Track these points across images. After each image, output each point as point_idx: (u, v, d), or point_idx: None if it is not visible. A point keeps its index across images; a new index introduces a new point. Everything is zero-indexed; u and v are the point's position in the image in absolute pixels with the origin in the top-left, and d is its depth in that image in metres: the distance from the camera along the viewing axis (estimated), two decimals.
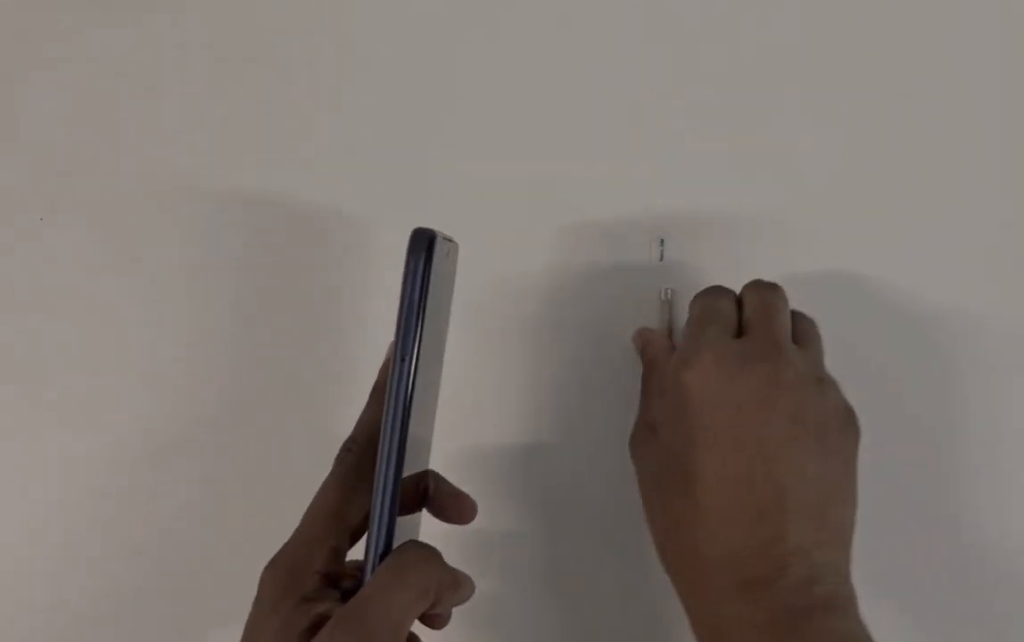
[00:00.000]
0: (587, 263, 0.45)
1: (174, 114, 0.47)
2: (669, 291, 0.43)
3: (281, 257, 0.46)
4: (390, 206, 0.45)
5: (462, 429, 0.43)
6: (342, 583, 0.31)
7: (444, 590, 0.31)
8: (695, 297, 0.38)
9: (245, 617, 0.31)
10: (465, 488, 0.36)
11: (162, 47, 0.47)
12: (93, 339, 0.46)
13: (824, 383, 0.35)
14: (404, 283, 0.30)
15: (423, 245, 0.30)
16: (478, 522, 0.35)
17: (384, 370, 0.34)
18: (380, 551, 0.30)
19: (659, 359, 0.40)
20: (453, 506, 0.35)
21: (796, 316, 0.38)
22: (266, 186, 0.46)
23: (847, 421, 0.35)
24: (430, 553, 0.31)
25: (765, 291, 0.37)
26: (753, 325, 0.36)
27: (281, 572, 0.31)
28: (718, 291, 0.38)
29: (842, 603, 0.32)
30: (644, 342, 0.42)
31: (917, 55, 0.45)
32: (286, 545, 0.31)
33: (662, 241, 0.44)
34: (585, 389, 0.44)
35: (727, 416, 0.33)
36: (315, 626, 0.29)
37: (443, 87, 0.46)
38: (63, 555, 0.45)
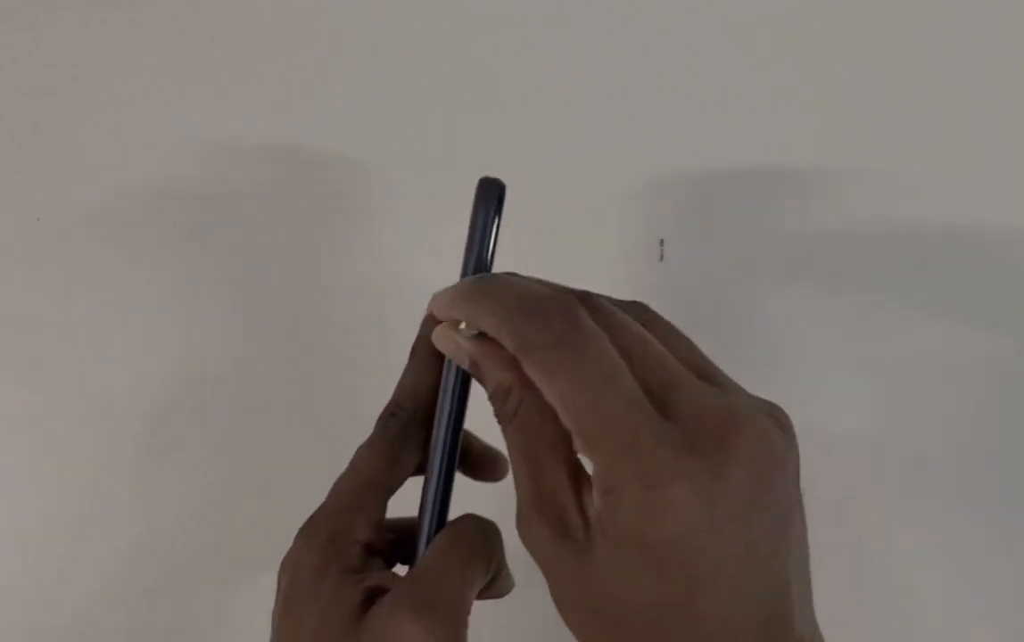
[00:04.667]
0: (587, 264, 0.45)
1: (181, 104, 0.46)
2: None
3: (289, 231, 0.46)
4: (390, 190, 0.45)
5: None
6: (382, 551, 0.30)
7: (501, 567, 0.29)
8: (523, 339, 0.24)
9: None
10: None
11: (164, 38, 0.47)
12: (97, 336, 0.46)
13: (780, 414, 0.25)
14: (472, 232, 0.28)
15: (494, 194, 0.28)
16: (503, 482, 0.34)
17: (426, 326, 0.31)
18: (436, 522, 0.29)
19: (523, 385, 0.26)
20: (486, 463, 0.33)
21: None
22: (269, 168, 0.46)
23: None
24: (491, 526, 0.29)
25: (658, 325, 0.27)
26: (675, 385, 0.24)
27: (320, 540, 0.28)
28: (582, 341, 0.24)
29: None
30: (472, 357, 0.28)
31: (917, 56, 0.45)
32: (322, 510, 0.29)
33: (662, 241, 0.44)
34: None
35: (730, 543, 0.23)
36: (368, 599, 0.27)
37: (439, 85, 0.46)
38: (73, 552, 0.45)
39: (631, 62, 0.45)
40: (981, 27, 0.44)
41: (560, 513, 0.25)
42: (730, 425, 0.23)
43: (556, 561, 0.25)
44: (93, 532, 0.45)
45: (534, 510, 0.25)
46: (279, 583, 0.29)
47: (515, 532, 0.26)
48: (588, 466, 0.24)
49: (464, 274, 0.28)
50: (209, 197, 0.46)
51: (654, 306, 0.30)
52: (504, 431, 0.27)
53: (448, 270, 0.30)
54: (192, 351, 0.45)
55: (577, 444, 0.24)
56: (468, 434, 0.34)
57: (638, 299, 0.30)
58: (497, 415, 0.27)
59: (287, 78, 0.46)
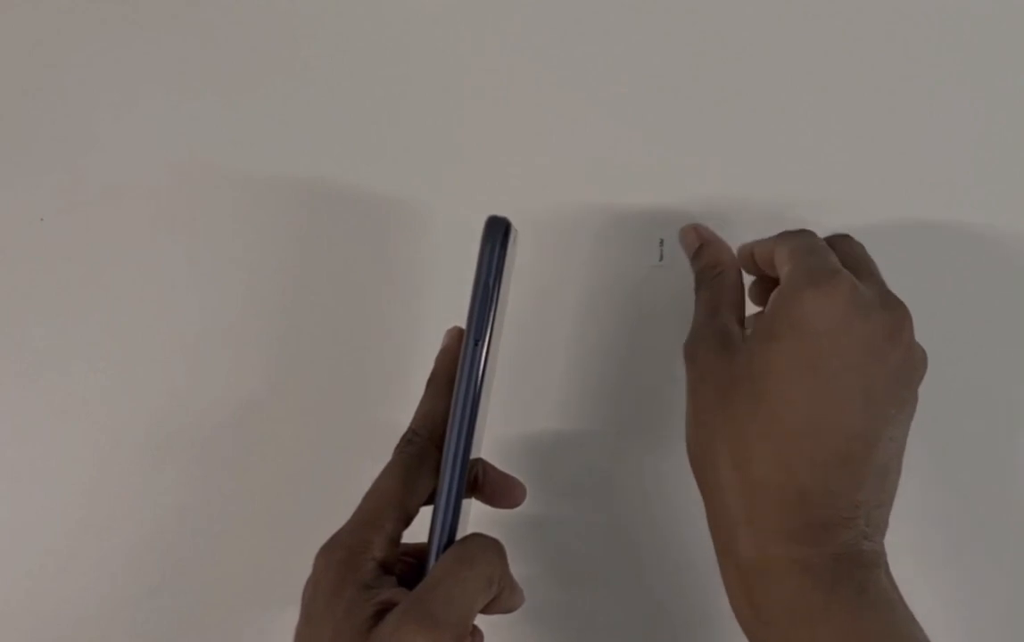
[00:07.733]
0: (586, 264, 0.45)
1: (181, 104, 0.47)
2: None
3: (313, 246, 0.46)
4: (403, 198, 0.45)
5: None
6: (396, 568, 0.32)
7: (504, 584, 0.31)
8: (783, 235, 0.36)
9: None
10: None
11: (164, 38, 0.47)
12: (99, 337, 0.46)
13: (919, 349, 0.35)
14: (479, 268, 0.31)
15: (499, 232, 0.31)
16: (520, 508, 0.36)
17: (441, 358, 0.34)
18: (444, 540, 0.31)
19: (728, 266, 0.38)
20: (503, 490, 0.35)
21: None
22: (270, 167, 0.46)
23: (916, 391, 0.35)
24: (495, 544, 0.31)
25: (853, 245, 0.37)
26: (863, 275, 0.35)
27: (338, 557, 0.31)
28: (813, 234, 0.36)
29: (882, 562, 0.32)
30: (702, 240, 0.39)
31: (919, 56, 0.45)
32: (343, 530, 0.32)
33: (662, 241, 0.44)
34: (582, 385, 0.44)
35: (846, 353, 0.32)
36: (379, 614, 0.29)
37: (441, 86, 0.46)
38: (73, 552, 0.45)
39: (631, 62, 0.45)
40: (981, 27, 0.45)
41: (725, 332, 0.35)
42: (887, 298, 0.34)
43: (712, 358, 0.34)
44: (93, 532, 0.45)
45: (708, 330, 0.35)
46: (303, 599, 0.31)
47: (519, 553, 0.33)
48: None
49: (472, 307, 0.31)
50: (211, 197, 0.46)
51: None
52: (699, 285, 0.38)
53: (458, 303, 0.32)
54: (194, 352, 0.45)
55: (784, 268, 0.34)
56: (485, 463, 0.35)
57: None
58: (700, 279, 0.38)
59: (288, 77, 0.46)
